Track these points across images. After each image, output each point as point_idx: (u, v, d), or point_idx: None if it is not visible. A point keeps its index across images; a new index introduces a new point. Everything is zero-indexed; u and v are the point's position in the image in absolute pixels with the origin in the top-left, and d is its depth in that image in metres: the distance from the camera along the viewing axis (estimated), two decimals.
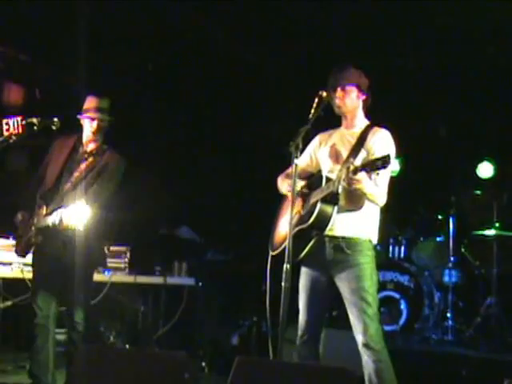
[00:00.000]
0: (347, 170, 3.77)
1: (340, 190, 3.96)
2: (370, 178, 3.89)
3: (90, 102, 4.83)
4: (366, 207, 4.08)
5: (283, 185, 4.42)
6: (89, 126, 4.79)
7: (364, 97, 4.24)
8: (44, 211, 4.67)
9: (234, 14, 6.80)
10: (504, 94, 7.15)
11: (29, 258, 4.93)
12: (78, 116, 4.82)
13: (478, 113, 7.53)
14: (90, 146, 4.83)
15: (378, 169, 3.66)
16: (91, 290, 4.80)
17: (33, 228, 4.72)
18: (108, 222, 4.74)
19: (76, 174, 4.72)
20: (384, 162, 3.62)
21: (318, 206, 4.00)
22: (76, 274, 4.64)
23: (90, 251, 4.70)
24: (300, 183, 4.22)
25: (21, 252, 4.90)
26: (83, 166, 4.74)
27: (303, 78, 7.22)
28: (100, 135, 4.83)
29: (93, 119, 4.78)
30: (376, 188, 3.96)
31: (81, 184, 4.67)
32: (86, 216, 4.29)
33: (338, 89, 4.16)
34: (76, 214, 4.28)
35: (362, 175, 3.75)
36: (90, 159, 4.77)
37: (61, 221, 4.35)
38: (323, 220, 4.01)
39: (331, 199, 3.99)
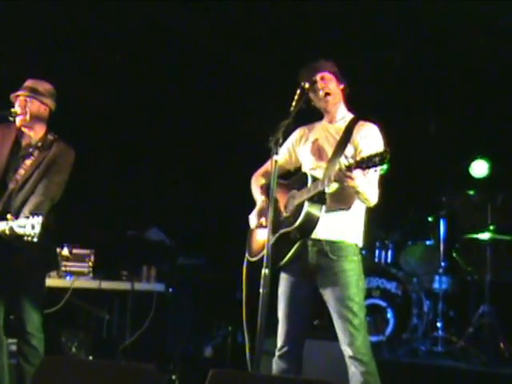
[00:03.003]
0: (341, 166, 3.75)
1: (328, 190, 3.95)
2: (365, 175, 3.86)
3: (24, 83, 4.79)
4: (352, 209, 4.09)
5: (256, 188, 4.41)
6: (17, 107, 4.71)
7: (342, 86, 4.28)
8: None
9: (214, 10, 6.80)
10: (499, 87, 7.20)
11: None
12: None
13: (470, 107, 7.57)
14: (33, 136, 4.73)
15: (375, 166, 3.63)
16: (42, 296, 4.71)
17: None
18: (59, 219, 4.67)
19: (21, 172, 4.63)
20: (382, 158, 3.60)
21: (305, 207, 4.00)
22: (24, 278, 4.59)
23: (40, 253, 4.61)
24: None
25: None
26: (29, 161, 4.66)
27: (285, 71, 7.22)
28: (36, 121, 4.74)
29: (18, 97, 4.72)
30: (369, 186, 3.96)
31: (28, 182, 4.60)
32: (39, 228, 4.22)
33: (318, 78, 4.17)
34: (30, 225, 4.21)
35: (356, 173, 3.73)
36: (36, 153, 4.68)
37: (12, 230, 4.25)
38: (310, 222, 4.02)
39: (319, 199, 3.99)
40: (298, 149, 4.37)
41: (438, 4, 6.41)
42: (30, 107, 4.69)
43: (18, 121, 4.68)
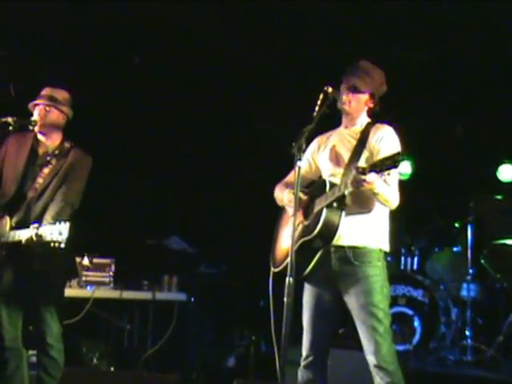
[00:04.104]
0: (355, 171, 3.76)
1: (346, 193, 3.95)
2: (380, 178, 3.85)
3: (42, 91, 4.84)
4: (374, 212, 4.10)
5: (282, 195, 4.41)
6: (36, 116, 4.75)
7: (372, 105, 4.27)
8: (8, 223, 4.61)
9: (230, 10, 6.83)
10: None
11: None
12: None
13: (497, 109, 7.53)
14: (50, 144, 4.78)
15: (389, 168, 3.64)
16: (61, 306, 4.75)
17: None
18: (79, 228, 4.71)
19: (40, 180, 4.68)
20: (395, 160, 3.60)
21: (324, 214, 4.01)
22: (44, 289, 4.63)
23: (59, 261, 4.65)
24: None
25: None
26: (46, 170, 4.70)
27: (307, 73, 7.24)
28: (54, 129, 4.79)
29: (37, 105, 4.77)
30: (388, 188, 3.96)
31: (47, 190, 4.65)
32: (67, 234, 4.27)
33: (349, 88, 4.18)
34: (57, 231, 4.25)
35: (371, 176, 3.73)
36: (54, 161, 4.73)
37: (40, 237, 4.29)
38: (330, 229, 4.03)
39: (338, 205, 4.00)
40: (317, 158, 4.40)
41: (466, 3, 6.39)
42: (49, 116, 4.74)
43: (37, 129, 4.73)
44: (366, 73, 4.21)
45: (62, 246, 4.27)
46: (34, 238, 4.31)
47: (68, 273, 5.03)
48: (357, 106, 4.22)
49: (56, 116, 4.78)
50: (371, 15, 6.75)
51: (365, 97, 4.22)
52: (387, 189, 3.95)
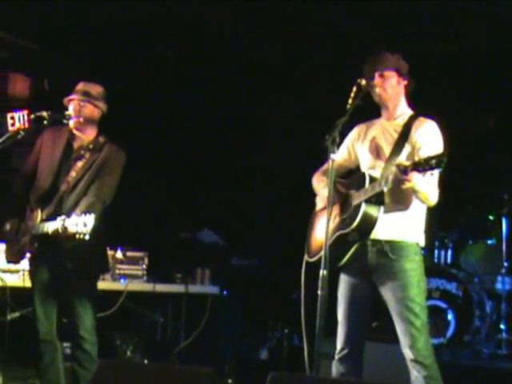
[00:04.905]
0: (397, 169, 3.72)
1: (386, 190, 3.92)
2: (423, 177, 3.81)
3: (76, 86, 4.86)
4: (412, 207, 4.08)
5: (320, 184, 4.40)
6: (71, 111, 4.77)
7: (405, 82, 4.23)
8: (39, 216, 4.65)
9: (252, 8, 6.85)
10: None
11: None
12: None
13: None
14: (85, 139, 4.80)
15: (432, 169, 3.59)
16: (95, 299, 4.79)
17: (26, 234, 4.69)
18: (112, 222, 4.73)
19: (73, 174, 4.70)
20: (439, 161, 3.56)
21: (363, 208, 3.99)
22: (77, 282, 4.66)
23: (91, 255, 4.67)
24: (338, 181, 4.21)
25: (13, 259, 4.85)
26: (80, 163, 4.72)
27: (335, 67, 7.22)
28: (88, 124, 4.80)
29: (72, 101, 4.79)
30: (428, 186, 3.92)
31: (79, 184, 4.68)
32: (92, 225, 4.28)
33: (376, 75, 4.15)
34: (82, 223, 4.27)
35: (413, 175, 3.69)
36: (87, 155, 4.75)
37: (65, 228, 4.31)
38: (368, 224, 4.01)
39: (377, 201, 3.98)
40: (356, 147, 4.37)
41: None
42: (84, 111, 4.76)
43: (72, 124, 4.76)
44: (379, 56, 4.19)
45: (87, 237, 4.27)
46: (60, 230, 4.33)
47: (100, 267, 5.04)
48: (391, 88, 4.18)
49: (90, 111, 4.80)
50: (399, 7, 6.71)
51: (393, 75, 4.17)
52: (427, 187, 3.92)
